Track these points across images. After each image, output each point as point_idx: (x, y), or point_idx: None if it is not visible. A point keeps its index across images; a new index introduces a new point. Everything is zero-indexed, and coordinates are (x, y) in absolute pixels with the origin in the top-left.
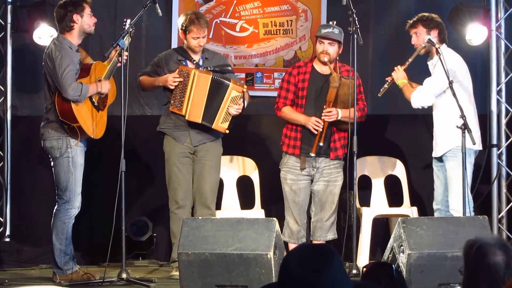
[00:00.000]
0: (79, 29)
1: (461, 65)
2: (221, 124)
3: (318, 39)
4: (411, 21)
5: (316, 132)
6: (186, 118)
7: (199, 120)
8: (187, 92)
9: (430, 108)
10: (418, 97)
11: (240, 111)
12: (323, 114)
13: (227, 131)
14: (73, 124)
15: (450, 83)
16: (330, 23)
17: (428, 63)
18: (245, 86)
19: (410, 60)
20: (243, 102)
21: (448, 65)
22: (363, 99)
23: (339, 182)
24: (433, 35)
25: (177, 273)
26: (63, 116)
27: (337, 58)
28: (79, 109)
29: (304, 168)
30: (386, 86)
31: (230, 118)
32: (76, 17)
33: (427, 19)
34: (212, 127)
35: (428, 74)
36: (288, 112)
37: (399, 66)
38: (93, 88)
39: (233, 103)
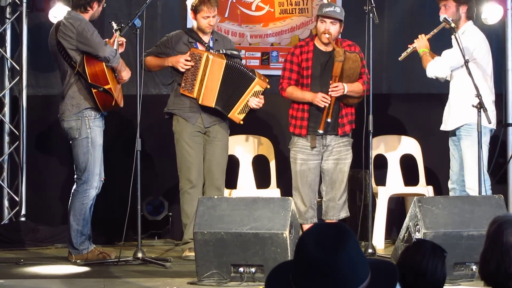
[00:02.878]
0: (91, 16)
1: (482, 44)
2: (237, 114)
3: (319, 18)
4: None
5: (323, 107)
6: (200, 102)
7: (213, 105)
8: (199, 76)
9: (445, 87)
10: (434, 67)
11: (260, 105)
12: (329, 89)
13: (241, 122)
14: (104, 86)
15: (466, 62)
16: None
17: (452, 36)
18: (268, 86)
19: (435, 31)
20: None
21: (468, 42)
22: (367, 73)
23: (349, 160)
24: (462, 11)
25: (191, 253)
26: (94, 79)
27: (339, 35)
28: (109, 72)
29: (315, 146)
30: (408, 51)
31: (248, 110)
32: (95, 4)
33: None
34: (228, 115)
35: (451, 46)
36: (293, 91)
37: (423, 35)
38: (122, 60)
39: (254, 96)
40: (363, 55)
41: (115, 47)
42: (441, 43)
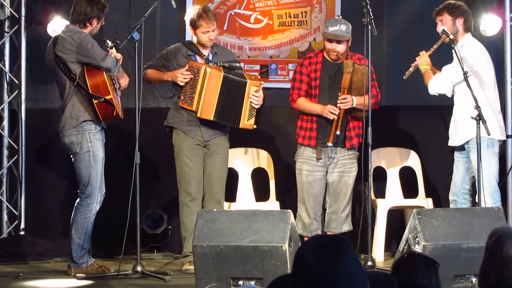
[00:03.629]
0: (89, 32)
1: (482, 55)
2: (248, 121)
3: (325, 38)
4: (437, 8)
5: (332, 119)
6: (198, 115)
7: (211, 117)
8: (197, 89)
9: (445, 99)
10: (435, 84)
11: (261, 101)
12: (338, 101)
13: (255, 126)
14: (105, 96)
15: (465, 74)
16: (337, 17)
17: (452, 50)
18: (262, 82)
19: (435, 46)
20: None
21: (467, 55)
22: (376, 86)
23: (353, 173)
24: (459, 23)
25: (191, 267)
26: (95, 90)
27: (348, 49)
28: (109, 82)
29: (320, 158)
30: (411, 70)
31: (255, 112)
32: (95, 21)
33: (453, 6)
34: (240, 126)
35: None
36: (304, 103)
37: (424, 52)
38: (122, 70)
39: (253, 95)
40: (372, 69)
41: None
42: (444, 57)
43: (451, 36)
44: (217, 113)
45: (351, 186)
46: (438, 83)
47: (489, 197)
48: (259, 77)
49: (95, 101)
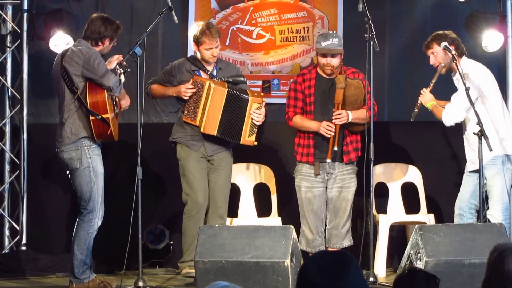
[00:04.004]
0: (100, 50)
1: (485, 75)
2: (248, 138)
3: (319, 53)
4: (426, 42)
5: (329, 137)
6: (202, 130)
7: (214, 133)
8: (201, 104)
9: None
10: (449, 115)
11: (262, 118)
12: (333, 117)
13: (256, 143)
14: (103, 114)
15: (467, 89)
16: (328, 31)
17: (453, 78)
18: (264, 99)
19: (433, 81)
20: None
21: (472, 78)
22: (372, 99)
23: (352, 188)
24: (452, 51)
25: (191, 270)
26: (93, 107)
27: (341, 63)
28: (109, 103)
29: (318, 174)
30: (416, 110)
31: (256, 129)
32: (107, 41)
33: (441, 37)
34: (240, 142)
35: (455, 89)
36: (299, 121)
37: (424, 89)
38: (124, 91)
39: (255, 111)
40: (367, 82)
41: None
42: (445, 89)
43: (453, 52)
44: (221, 129)
45: (351, 201)
46: (452, 113)
47: (500, 213)
48: (262, 94)
49: (91, 118)
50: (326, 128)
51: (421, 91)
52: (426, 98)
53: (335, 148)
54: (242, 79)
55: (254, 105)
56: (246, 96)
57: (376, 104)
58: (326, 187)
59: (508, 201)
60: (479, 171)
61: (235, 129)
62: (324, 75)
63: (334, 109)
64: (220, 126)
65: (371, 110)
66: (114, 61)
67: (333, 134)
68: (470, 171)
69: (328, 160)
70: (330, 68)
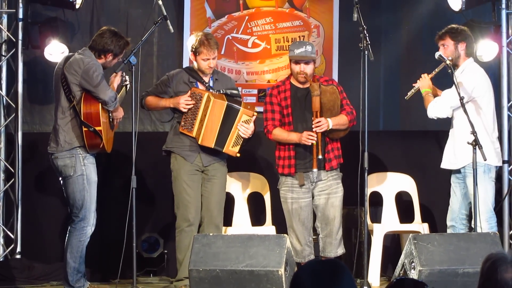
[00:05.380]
0: (102, 63)
1: (482, 81)
2: (232, 148)
3: (292, 60)
4: (440, 33)
5: (311, 145)
6: (199, 142)
7: (212, 145)
8: (199, 116)
9: (442, 124)
10: (434, 108)
11: (250, 132)
12: (313, 126)
13: (238, 155)
14: (95, 127)
15: (461, 99)
16: (301, 40)
17: (454, 73)
18: (256, 112)
19: (436, 70)
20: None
21: (467, 81)
22: (349, 104)
23: (339, 193)
24: (461, 48)
25: None
26: (87, 118)
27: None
28: (103, 115)
29: (303, 184)
30: (412, 91)
31: (241, 141)
32: (110, 56)
33: (456, 31)
34: (223, 151)
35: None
36: (279, 133)
37: (426, 74)
38: (119, 105)
39: (242, 125)
40: (341, 88)
41: (115, 85)
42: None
43: (448, 62)
44: (218, 141)
45: (339, 207)
46: (437, 107)
47: (485, 223)
48: (255, 109)
49: (84, 129)
50: (307, 138)
51: (422, 75)
52: (424, 83)
53: (319, 157)
54: (236, 92)
55: (244, 117)
56: (238, 107)
57: (354, 109)
58: (313, 197)
59: (492, 209)
60: (474, 178)
61: (223, 138)
62: (299, 85)
63: (313, 118)
64: (218, 138)
65: (350, 114)
66: (118, 77)
67: (315, 142)
68: (453, 174)
69: (315, 170)
70: (303, 76)
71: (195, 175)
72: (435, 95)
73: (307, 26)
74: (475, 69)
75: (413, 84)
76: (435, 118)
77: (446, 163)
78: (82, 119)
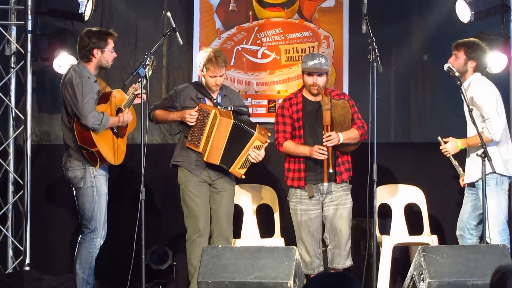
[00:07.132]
0: (96, 63)
1: (490, 95)
2: (238, 169)
3: (306, 72)
4: (458, 41)
5: (322, 159)
6: (205, 159)
7: (217, 162)
8: (205, 132)
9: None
10: (494, 129)
11: (260, 159)
12: (324, 140)
13: (243, 177)
14: (92, 149)
15: (470, 111)
16: (314, 52)
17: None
18: (269, 140)
19: (443, 140)
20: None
21: (476, 95)
22: (360, 118)
23: (348, 205)
24: (470, 65)
25: None
26: (82, 141)
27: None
28: (99, 135)
29: (313, 196)
30: (456, 163)
31: (249, 165)
32: (96, 51)
33: (471, 48)
34: (229, 170)
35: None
36: (290, 146)
37: (442, 142)
38: (114, 120)
39: (254, 150)
40: (353, 102)
41: (130, 96)
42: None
43: (456, 74)
44: (223, 159)
45: (348, 218)
46: (495, 126)
47: (498, 235)
48: (269, 134)
49: (83, 152)
50: (318, 152)
51: (441, 148)
52: (450, 146)
53: (330, 170)
54: (245, 109)
55: (256, 142)
56: (252, 131)
57: (365, 123)
58: (322, 208)
59: (505, 221)
60: (483, 189)
61: (232, 157)
62: (311, 98)
63: (323, 132)
64: (224, 156)
65: (361, 128)
66: (132, 90)
67: (326, 156)
68: (468, 187)
69: (326, 184)
70: (316, 88)
71: (203, 186)
72: (466, 142)
73: (317, 37)
74: (481, 82)
75: (453, 162)
76: (502, 131)
77: (467, 177)
78: (79, 143)
